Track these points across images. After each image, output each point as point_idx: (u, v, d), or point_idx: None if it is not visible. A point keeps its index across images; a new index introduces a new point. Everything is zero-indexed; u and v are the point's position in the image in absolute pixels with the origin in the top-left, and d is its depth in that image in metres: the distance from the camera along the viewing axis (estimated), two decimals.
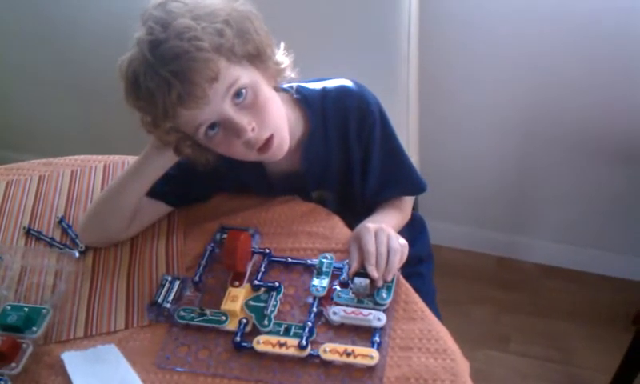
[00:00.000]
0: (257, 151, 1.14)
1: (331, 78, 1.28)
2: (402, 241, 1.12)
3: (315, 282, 1.11)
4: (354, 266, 1.10)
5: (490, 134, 2.10)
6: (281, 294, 1.11)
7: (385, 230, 1.12)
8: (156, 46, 1.05)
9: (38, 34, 2.34)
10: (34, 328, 1.09)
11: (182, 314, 1.10)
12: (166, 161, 1.22)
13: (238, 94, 1.09)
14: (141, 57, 1.06)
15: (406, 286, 1.10)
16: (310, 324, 1.05)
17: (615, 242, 2.19)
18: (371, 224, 1.14)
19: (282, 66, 1.19)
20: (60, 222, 1.33)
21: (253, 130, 1.11)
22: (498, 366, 2.04)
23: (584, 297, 2.21)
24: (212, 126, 1.11)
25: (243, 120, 1.09)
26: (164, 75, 1.04)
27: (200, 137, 1.13)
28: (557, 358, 2.05)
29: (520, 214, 2.26)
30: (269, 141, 1.13)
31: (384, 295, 1.07)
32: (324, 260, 1.14)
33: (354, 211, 1.31)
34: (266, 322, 1.06)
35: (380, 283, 1.07)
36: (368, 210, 1.32)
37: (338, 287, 1.10)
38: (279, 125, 1.15)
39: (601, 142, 1.98)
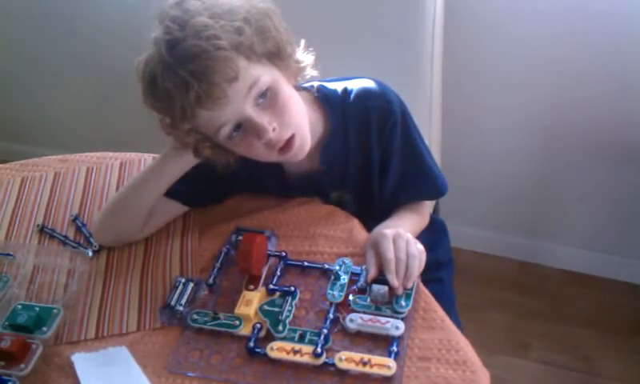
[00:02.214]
0: (278, 152, 1.12)
1: (353, 77, 1.26)
2: (420, 246, 1.09)
3: (332, 287, 1.08)
4: (372, 271, 1.07)
5: (512, 137, 2.07)
6: (296, 299, 1.08)
7: (403, 236, 1.09)
8: (173, 46, 1.03)
9: (57, 31, 2.34)
10: (45, 328, 1.07)
11: (195, 317, 1.08)
12: (186, 163, 1.20)
13: (261, 94, 1.07)
14: (158, 57, 1.05)
15: (426, 294, 1.08)
16: (325, 331, 1.02)
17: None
18: (388, 230, 1.11)
19: (303, 65, 1.17)
20: (74, 220, 1.32)
21: (274, 130, 1.08)
22: (517, 374, 2.00)
23: (607, 304, 2.16)
24: (235, 128, 1.09)
25: (264, 120, 1.07)
26: (182, 75, 1.02)
27: (221, 138, 1.10)
28: (578, 366, 2.01)
29: (542, 218, 2.23)
30: (290, 141, 1.11)
31: (403, 303, 1.04)
32: (341, 265, 1.12)
33: (373, 213, 1.28)
34: (280, 328, 1.04)
35: (400, 291, 1.05)
36: (386, 212, 1.29)
37: (355, 292, 1.07)
38: (300, 124, 1.13)
39: (626, 146, 1.94)
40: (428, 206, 1.37)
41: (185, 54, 1.02)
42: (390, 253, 1.06)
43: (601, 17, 1.74)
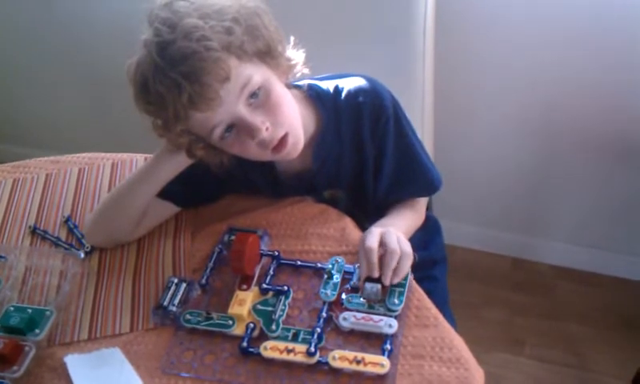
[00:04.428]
0: (271, 151, 1.12)
1: (345, 75, 1.26)
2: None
3: (325, 286, 1.08)
4: (364, 270, 1.07)
5: (505, 133, 2.07)
6: (289, 298, 1.08)
7: (393, 232, 1.09)
8: (164, 48, 1.02)
9: (48, 32, 2.32)
10: (37, 330, 1.07)
11: (188, 317, 1.08)
12: (179, 164, 1.19)
13: (253, 94, 1.07)
14: (149, 59, 1.04)
15: (419, 292, 1.07)
16: (318, 330, 1.02)
17: (632, 245, 2.15)
18: (377, 227, 1.11)
19: (293, 62, 1.17)
20: (66, 221, 1.31)
21: (267, 129, 1.08)
22: (512, 370, 2.01)
23: (601, 300, 2.17)
24: (227, 128, 1.08)
25: (257, 120, 1.07)
26: (174, 77, 1.02)
27: (214, 139, 1.10)
28: (573, 362, 2.01)
29: (535, 214, 2.23)
30: (283, 140, 1.11)
31: (396, 301, 1.04)
32: (334, 263, 1.11)
33: (366, 211, 1.28)
34: (273, 327, 1.04)
35: (387, 282, 1.05)
36: (380, 210, 1.29)
37: (348, 291, 1.07)
38: (293, 123, 1.13)
39: (617, 143, 1.94)
40: (423, 203, 1.37)
41: (175, 55, 1.01)
42: (371, 242, 1.06)
43: (594, 14, 1.74)
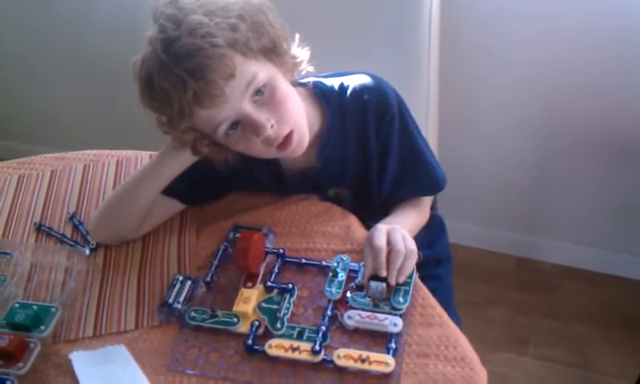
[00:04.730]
0: (276, 148, 1.12)
1: (349, 72, 1.26)
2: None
3: (330, 284, 1.08)
4: (370, 268, 1.07)
5: (510, 133, 2.07)
6: (294, 296, 1.08)
7: (398, 230, 1.09)
8: (169, 45, 1.02)
9: (52, 28, 2.33)
10: (43, 327, 1.07)
11: (193, 314, 1.08)
12: (184, 161, 1.19)
13: (258, 91, 1.07)
14: (154, 56, 1.04)
15: (424, 290, 1.07)
16: (323, 328, 1.02)
17: (635, 244, 2.15)
18: (383, 225, 1.11)
19: (299, 60, 1.17)
20: (71, 218, 1.31)
21: (272, 126, 1.08)
22: (515, 370, 2.00)
23: (605, 299, 2.17)
24: (233, 125, 1.08)
25: (262, 117, 1.07)
26: (178, 74, 1.02)
27: (219, 136, 1.10)
28: (576, 362, 2.01)
29: (540, 214, 2.23)
30: (288, 137, 1.11)
31: (400, 299, 1.04)
32: (339, 262, 1.11)
33: (371, 209, 1.28)
34: (278, 325, 1.03)
35: (393, 282, 1.05)
36: (384, 208, 1.29)
37: (353, 289, 1.07)
38: (298, 120, 1.13)
39: (620, 143, 1.94)
40: (427, 201, 1.37)
41: (180, 52, 1.02)
42: (380, 241, 1.06)
43: (597, 15, 1.74)
